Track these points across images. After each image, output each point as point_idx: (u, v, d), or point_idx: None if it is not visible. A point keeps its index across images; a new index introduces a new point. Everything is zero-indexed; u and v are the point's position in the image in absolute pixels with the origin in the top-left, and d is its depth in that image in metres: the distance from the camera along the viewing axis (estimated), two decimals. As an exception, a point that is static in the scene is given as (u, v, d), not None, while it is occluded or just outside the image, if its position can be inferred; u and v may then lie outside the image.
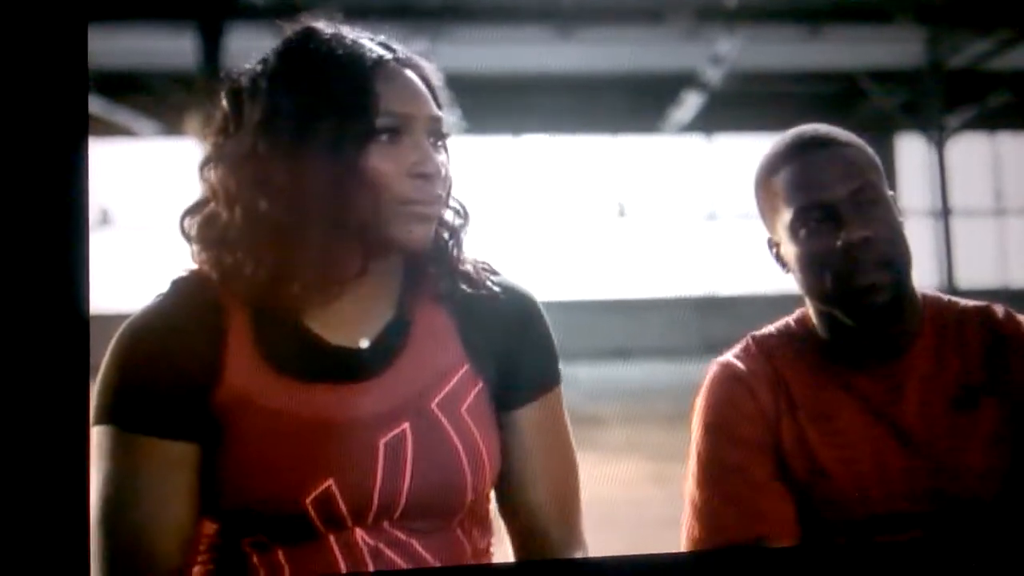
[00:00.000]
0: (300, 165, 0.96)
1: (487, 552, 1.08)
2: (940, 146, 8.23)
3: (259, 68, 1.00)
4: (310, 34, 1.01)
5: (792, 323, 1.23)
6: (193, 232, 1.01)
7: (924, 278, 8.13)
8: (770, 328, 1.23)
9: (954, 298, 1.20)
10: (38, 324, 0.99)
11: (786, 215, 1.15)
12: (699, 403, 1.20)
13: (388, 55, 1.00)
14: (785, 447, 1.15)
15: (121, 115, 7.65)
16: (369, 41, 1.01)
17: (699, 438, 1.18)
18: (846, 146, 1.16)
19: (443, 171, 1.01)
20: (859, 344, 1.17)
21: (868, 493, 1.13)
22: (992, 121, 8.79)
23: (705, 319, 8.35)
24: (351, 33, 1.01)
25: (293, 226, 0.96)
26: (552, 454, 1.09)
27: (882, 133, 8.72)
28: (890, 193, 1.18)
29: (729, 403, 1.18)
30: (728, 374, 1.20)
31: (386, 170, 0.97)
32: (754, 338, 1.23)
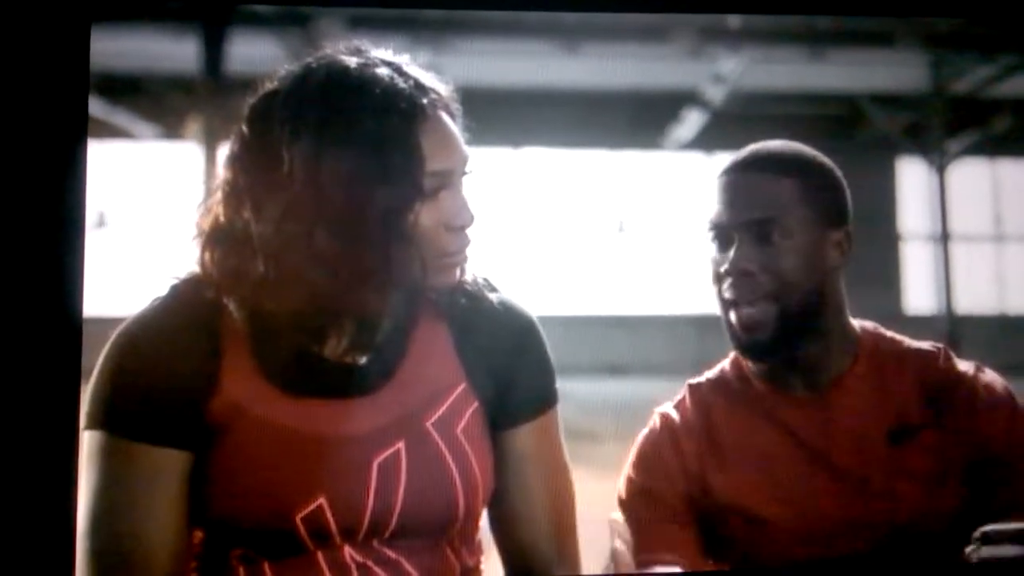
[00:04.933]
0: (351, 228, 0.94)
1: (476, 570, 1.07)
2: (941, 171, 8.24)
3: (293, 105, 0.95)
4: (346, 74, 0.96)
5: (727, 367, 1.21)
6: (215, 271, 0.97)
7: (923, 303, 8.13)
8: (707, 374, 1.21)
9: (897, 336, 1.17)
10: (31, 326, 0.98)
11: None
12: (632, 450, 1.19)
13: (425, 100, 0.97)
14: (719, 500, 1.13)
15: (120, 117, 7.64)
16: (404, 81, 0.97)
17: (623, 483, 1.18)
18: (774, 174, 1.13)
19: (475, 215, 1.01)
20: (781, 375, 1.15)
21: (808, 533, 1.09)
22: (993, 147, 8.81)
23: (703, 336, 8.35)
24: (383, 68, 0.97)
25: (341, 287, 0.95)
26: (546, 474, 1.08)
27: (883, 156, 8.73)
28: (840, 234, 1.14)
29: (654, 457, 1.17)
30: (660, 424, 1.19)
31: (428, 225, 0.97)
32: (690, 387, 1.21)
